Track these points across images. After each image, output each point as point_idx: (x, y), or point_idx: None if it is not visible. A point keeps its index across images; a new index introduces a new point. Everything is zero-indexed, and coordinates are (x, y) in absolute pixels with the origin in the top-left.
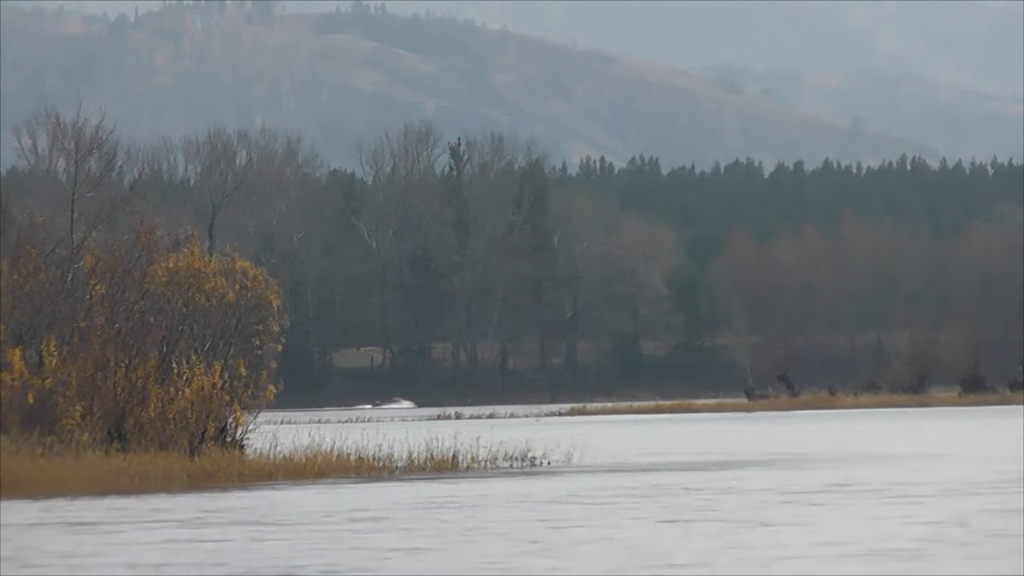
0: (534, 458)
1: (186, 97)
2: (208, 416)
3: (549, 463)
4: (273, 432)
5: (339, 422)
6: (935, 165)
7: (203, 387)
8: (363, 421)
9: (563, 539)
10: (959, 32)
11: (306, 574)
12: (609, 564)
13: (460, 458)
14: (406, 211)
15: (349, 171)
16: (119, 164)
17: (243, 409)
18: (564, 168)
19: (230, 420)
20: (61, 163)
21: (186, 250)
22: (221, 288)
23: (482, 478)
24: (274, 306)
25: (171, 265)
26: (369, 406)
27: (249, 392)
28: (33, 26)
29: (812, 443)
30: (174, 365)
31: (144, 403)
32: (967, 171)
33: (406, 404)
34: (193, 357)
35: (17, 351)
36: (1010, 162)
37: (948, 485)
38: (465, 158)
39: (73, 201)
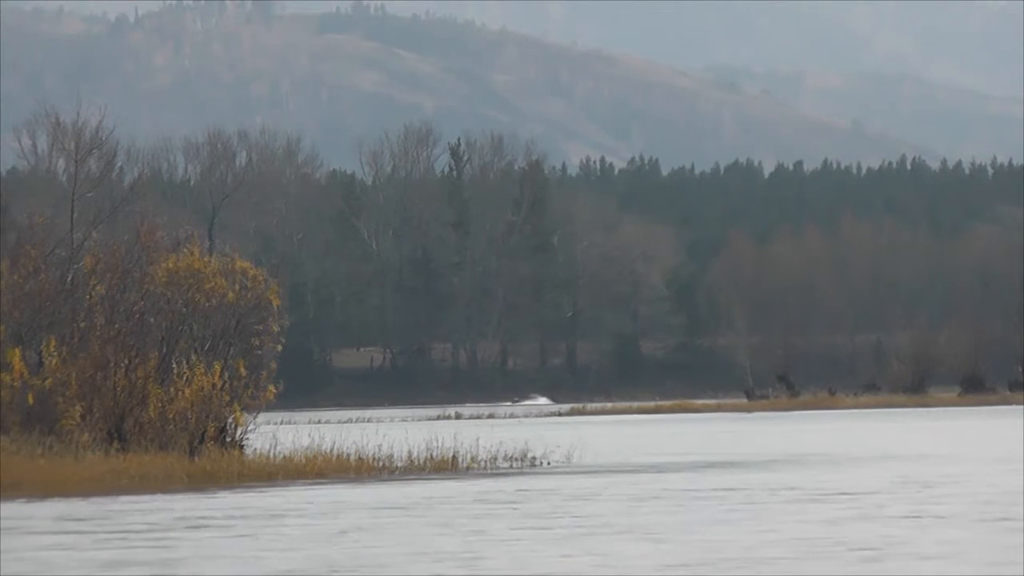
0: (534, 458)
1: (186, 97)
2: (208, 416)
3: (549, 463)
4: (273, 432)
5: (339, 422)
6: (935, 165)
7: (203, 387)
8: (363, 421)
9: (373, 548)
10: (959, 32)
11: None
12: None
13: (460, 458)
14: (406, 211)
15: (349, 171)
16: (119, 164)
17: (243, 409)
18: (564, 168)
19: (230, 420)
20: (61, 163)
21: (186, 250)
22: (221, 288)
23: (461, 479)
24: (274, 306)
25: (171, 265)
26: (508, 403)
27: (249, 392)
28: (33, 26)
29: (791, 444)
30: (174, 365)
31: (144, 403)
32: (967, 171)
33: (543, 400)
34: (193, 357)
35: (17, 351)
36: (1010, 162)
37: (858, 488)
38: (465, 158)
39: (73, 201)
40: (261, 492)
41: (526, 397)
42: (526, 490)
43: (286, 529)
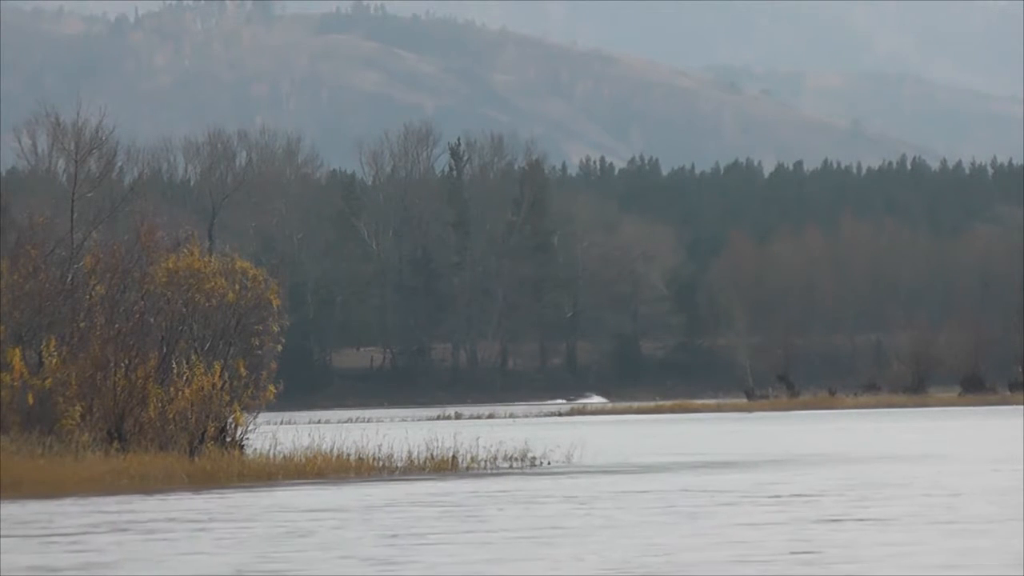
0: (534, 458)
1: (186, 97)
2: (208, 416)
3: (549, 463)
4: (273, 432)
5: (339, 422)
6: (935, 165)
7: (203, 387)
8: (363, 421)
9: (303, 552)
10: (959, 32)
11: None
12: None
13: (460, 458)
14: (406, 211)
15: (349, 171)
16: (119, 164)
17: (243, 409)
18: (564, 168)
19: (230, 420)
20: (61, 163)
21: (186, 250)
22: (221, 288)
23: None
24: (274, 306)
25: (171, 265)
26: (563, 401)
27: (249, 392)
28: (33, 26)
29: (785, 444)
30: (174, 365)
31: (144, 403)
32: (967, 171)
33: (598, 399)
34: (193, 357)
35: (17, 351)
36: (1010, 162)
37: (817, 490)
38: (465, 158)
39: (73, 201)
40: (220, 495)
41: (581, 395)
42: (477, 492)
43: (223, 532)
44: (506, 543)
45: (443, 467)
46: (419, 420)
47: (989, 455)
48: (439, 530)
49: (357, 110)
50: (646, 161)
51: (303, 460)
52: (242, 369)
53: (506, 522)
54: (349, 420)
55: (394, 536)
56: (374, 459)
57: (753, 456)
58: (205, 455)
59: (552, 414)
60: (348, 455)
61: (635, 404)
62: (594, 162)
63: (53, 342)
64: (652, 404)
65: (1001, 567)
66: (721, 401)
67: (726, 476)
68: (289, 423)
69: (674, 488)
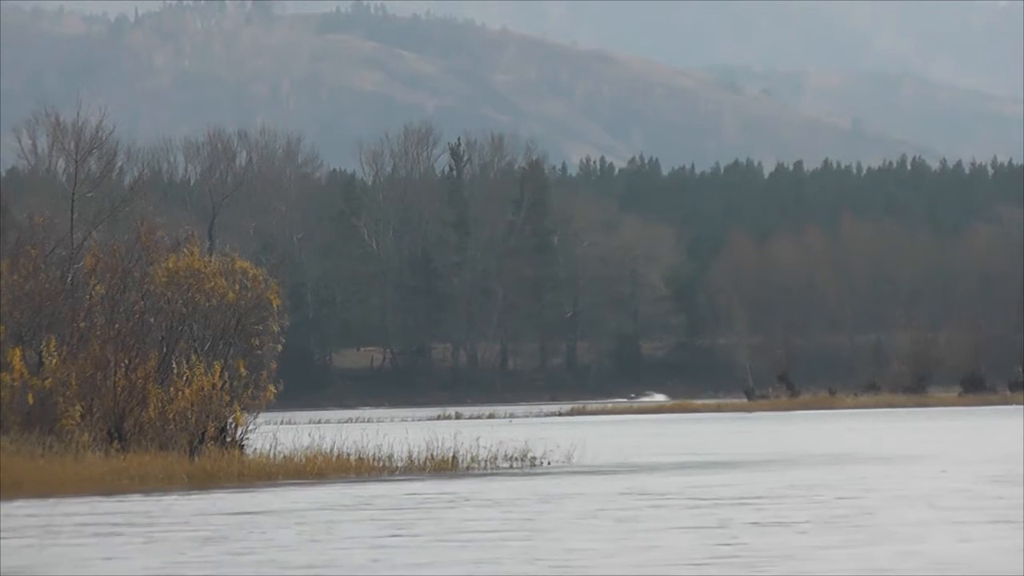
0: (534, 458)
1: (186, 97)
2: (208, 416)
3: (549, 463)
4: (273, 432)
5: (339, 422)
6: (935, 165)
7: (203, 387)
8: (363, 421)
9: (220, 557)
10: (959, 32)
11: None
12: None
13: (460, 458)
14: (406, 211)
15: (349, 171)
16: (119, 164)
17: (243, 409)
18: (564, 168)
19: (230, 420)
20: (61, 163)
21: (186, 250)
22: (221, 288)
23: (396, 481)
24: (274, 306)
25: (171, 265)
26: (624, 400)
27: (249, 392)
28: (33, 26)
29: (781, 445)
30: (174, 365)
31: (144, 403)
32: (967, 171)
33: (660, 397)
34: (193, 357)
35: (17, 351)
36: (1010, 162)
37: (766, 492)
38: (465, 158)
39: (73, 201)
40: (173, 496)
41: (642, 394)
42: (421, 493)
43: (142, 536)
44: (425, 546)
45: (443, 467)
46: (419, 420)
47: (972, 456)
48: (365, 533)
49: (357, 110)
50: (646, 161)
51: (303, 460)
52: (242, 369)
53: (432, 526)
54: (349, 420)
55: (313, 541)
56: (374, 459)
57: (750, 457)
58: (205, 455)
59: (552, 414)
60: (348, 455)
61: (635, 404)
62: (594, 162)
63: (53, 342)
64: (652, 404)
65: (921, 570)
66: (721, 401)
67: (716, 477)
68: (289, 423)
69: (644, 489)
